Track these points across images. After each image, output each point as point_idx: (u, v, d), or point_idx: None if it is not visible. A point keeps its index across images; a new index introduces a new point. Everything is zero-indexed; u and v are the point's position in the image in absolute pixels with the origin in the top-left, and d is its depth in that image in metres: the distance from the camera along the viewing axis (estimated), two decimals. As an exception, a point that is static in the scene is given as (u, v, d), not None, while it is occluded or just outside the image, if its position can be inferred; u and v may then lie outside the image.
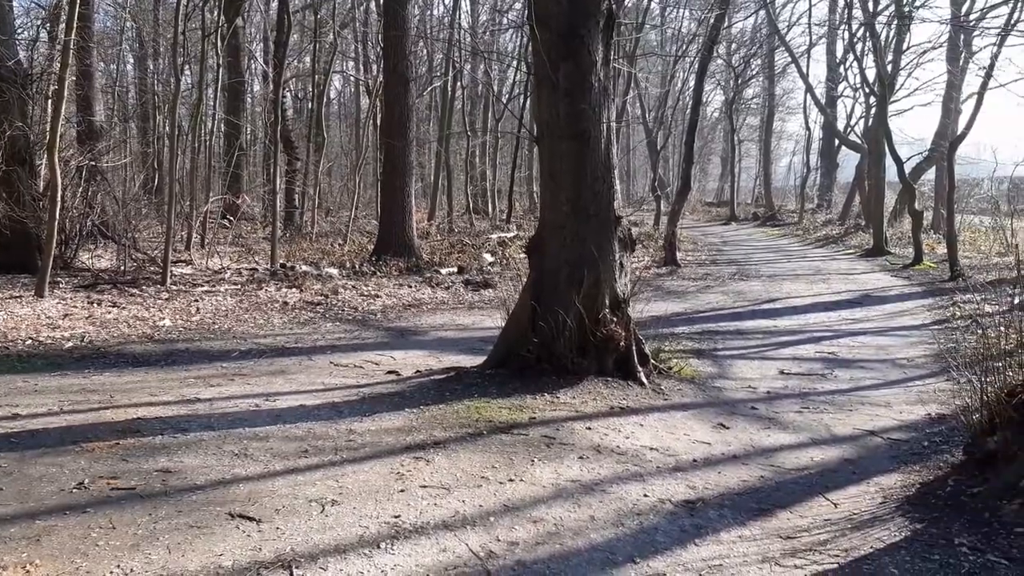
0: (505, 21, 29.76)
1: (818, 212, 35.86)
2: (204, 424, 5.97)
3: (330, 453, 5.38)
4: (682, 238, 23.10)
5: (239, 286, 13.14)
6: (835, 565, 3.97)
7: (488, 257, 18.15)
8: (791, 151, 55.27)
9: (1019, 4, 14.46)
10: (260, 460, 5.21)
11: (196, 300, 11.76)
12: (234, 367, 8.12)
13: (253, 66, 30.96)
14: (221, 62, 22.38)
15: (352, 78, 36.45)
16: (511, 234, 23.48)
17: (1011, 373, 5.22)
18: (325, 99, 29.41)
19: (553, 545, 4.11)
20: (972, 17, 20.73)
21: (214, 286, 13.02)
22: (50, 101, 11.86)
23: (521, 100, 28.38)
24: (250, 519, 4.26)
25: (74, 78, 17.45)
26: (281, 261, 15.87)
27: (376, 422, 6.15)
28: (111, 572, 3.67)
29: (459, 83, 30.46)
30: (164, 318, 10.48)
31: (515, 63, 30.84)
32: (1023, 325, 5.72)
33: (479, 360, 7.92)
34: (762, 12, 34.16)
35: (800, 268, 18.78)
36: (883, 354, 9.29)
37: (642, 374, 7.39)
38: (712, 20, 20.09)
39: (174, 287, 12.58)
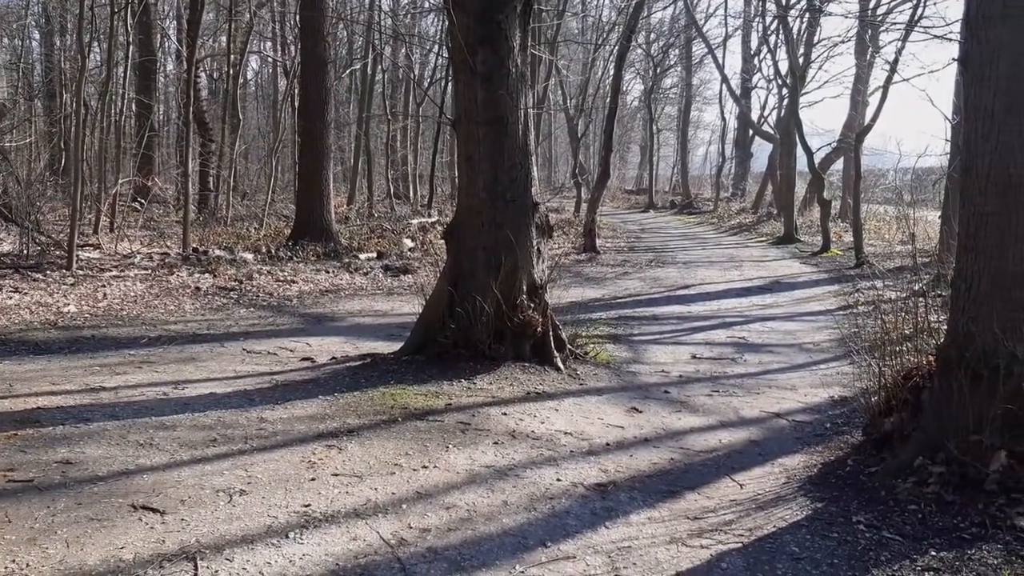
0: (427, 4, 29.48)
1: (732, 201, 36.60)
2: (108, 413, 5.79)
3: (240, 442, 5.28)
4: (602, 225, 23.30)
5: (149, 271, 12.75)
6: (739, 544, 4.08)
7: (408, 242, 18.00)
8: (708, 140, 56.52)
9: (922, 1, 15.00)
10: (166, 450, 5.08)
11: (104, 285, 11.36)
12: (142, 354, 7.88)
13: (166, 44, 29.91)
14: (131, 39, 21.58)
15: (269, 59, 35.60)
16: (432, 219, 23.31)
17: (908, 357, 5.44)
18: (241, 80, 28.68)
19: (465, 531, 4.12)
20: (879, 12, 21.42)
21: (123, 271, 12.60)
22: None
23: (443, 85, 28.17)
24: (154, 510, 4.16)
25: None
26: (194, 245, 15.43)
27: (288, 410, 6.07)
28: (5, 567, 3.54)
29: (379, 66, 30.02)
30: (69, 304, 10.10)
31: (436, 47, 30.61)
32: (920, 311, 5.97)
33: (396, 346, 7.88)
34: (680, 3, 34.64)
35: (714, 255, 19.19)
36: (790, 339, 9.58)
37: (558, 359, 7.46)
38: (631, 9, 20.25)
39: (80, 272, 12.12)
